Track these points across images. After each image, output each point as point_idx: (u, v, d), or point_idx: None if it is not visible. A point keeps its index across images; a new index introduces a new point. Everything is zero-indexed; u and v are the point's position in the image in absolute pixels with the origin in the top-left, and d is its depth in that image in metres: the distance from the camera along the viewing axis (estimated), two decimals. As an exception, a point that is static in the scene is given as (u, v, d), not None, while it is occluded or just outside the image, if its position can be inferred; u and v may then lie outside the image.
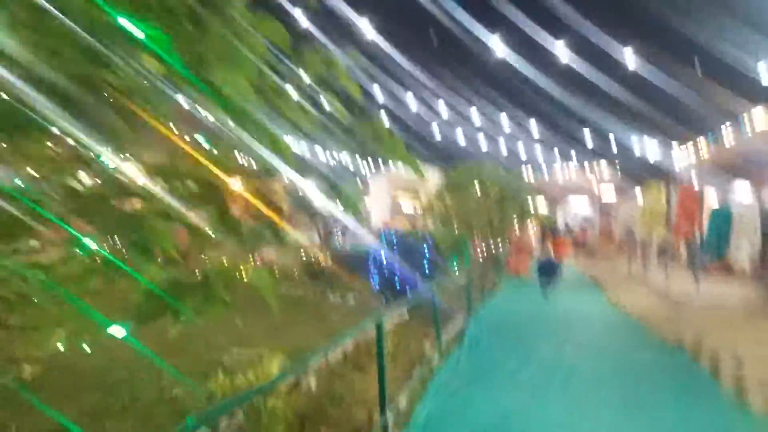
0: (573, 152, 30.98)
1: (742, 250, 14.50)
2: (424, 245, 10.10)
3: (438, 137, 30.23)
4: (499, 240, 19.38)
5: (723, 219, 14.62)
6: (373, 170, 42.67)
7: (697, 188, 15.55)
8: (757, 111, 14.53)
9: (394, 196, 37.84)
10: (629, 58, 13.90)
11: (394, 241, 10.20)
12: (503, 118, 25.94)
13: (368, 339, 6.83)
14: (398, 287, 9.99)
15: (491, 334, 8.14)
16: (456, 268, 13.86)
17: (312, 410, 4.51)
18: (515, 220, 21.62)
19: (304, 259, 14.49)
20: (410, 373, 5.92)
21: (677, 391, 5.74)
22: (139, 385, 5.17)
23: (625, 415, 4.96)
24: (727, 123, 17.37)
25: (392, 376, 5.96)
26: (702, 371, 6.67)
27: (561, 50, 13.32)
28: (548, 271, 14.04)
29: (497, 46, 13.85)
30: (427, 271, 9.97)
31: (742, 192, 16.43)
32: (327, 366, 5.91)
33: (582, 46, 15.23)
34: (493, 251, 19.57)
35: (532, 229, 25.62)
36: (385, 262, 10.17)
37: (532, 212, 22.55)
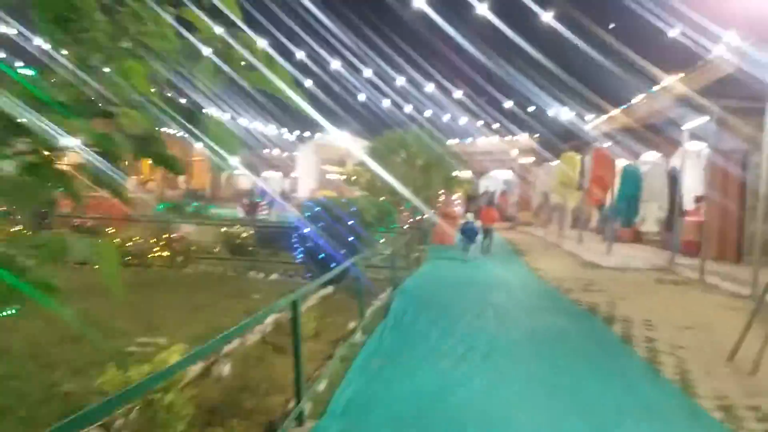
0: (495, 121, 31.56)
1: (651, 214, 15.30)
2: (349, 215, 9.83)
3: (364, 106, 29.79)
4: (425, 208, 19.46)
5: (632, 182, 15.30)
6: (300, 141, 41.80)
7: (608, 155, 16.15)
8: (669, 80, 15.12)
9: (321, 167, 37.28)
10: (550, 23, 14.02)
11: (318, 211, 9.86)
12: (428, 87, 25.87)
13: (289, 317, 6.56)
14: (323, 260, 9.72)
15: (416, 306, 8.08)
16: (382, 238, 13.78)
17: (222, 402, 4.20)
18: (441, 189, 21.80)
19: (226, 233, 13.89)
20: (332, 353, 5.71)
21: (592, 359, 5.89)
22: (27, 380, 4.65)
23: (543, 387, 5.00)
24: (640, 94, 18.06)
25: (313, 356, 5.75)
26: (614, 336, 6.90)
27: (484, 11, 13.22)
28: (470, 235, 15.09)
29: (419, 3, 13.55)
30: (352, 242, 9.74)
31: (651, 159, 17.27)
32: (243, 349, 5.58)
33: (503, 9, 15.24)
34: (420, 220, 19.67)
35: (457, 198, 26.01)
36: (308, 234, 9.84)
37: (457, 181, 22.80)
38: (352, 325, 6.82)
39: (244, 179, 40.79)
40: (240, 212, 25.37)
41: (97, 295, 8.03)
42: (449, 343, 6.21)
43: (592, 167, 16.51)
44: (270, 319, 6.53)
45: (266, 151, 45.40)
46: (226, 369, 4.87)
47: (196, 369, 4.62)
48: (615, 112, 18.15)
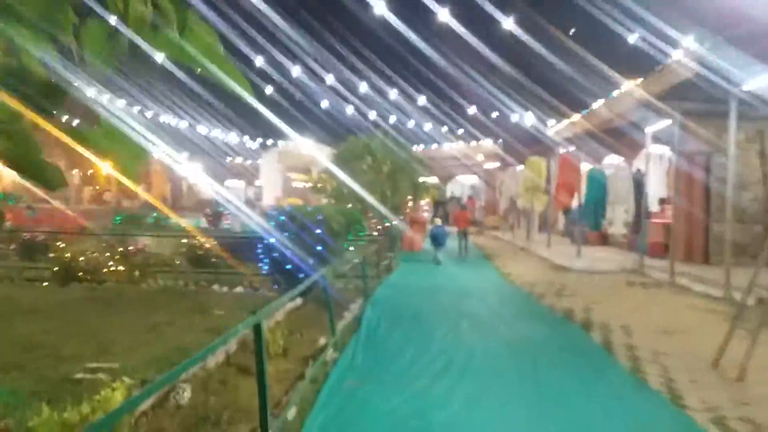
0: (459, 127, 31.60)
1: (618, 217, 15.38)
2: (315, 224, 9.44)
3: (327, 113, 29.41)
4: (393, 215, 19.20)
5: (598, 185, 15.36)
6: (264, 149, 41.09)
7: (574, 160, 16.21)
8: (627, 84, 15.25)
9: (285, 174, 36.70)
10: (511, 28, 13.96)
11: (283, 220, 9.43)
12: (392, 93, 25.67)
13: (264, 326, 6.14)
14: (290, 271, 9.29)
15: (388, 318, 7.76)
16: (350, 247, 13.42)
17: (180, 436, 3.77)
18: (408, 195, 21.59)
19: (188, 244, 13.31)
20: (302, 372, 5.32)
21: (575, 369, 5.67)
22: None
23: (526, 403, 4.73)
24: (601, 99, 18.24)
25: (282, 376, 5.35)
26: (594, 344, 6.71)
27: (445, 18, 13.07)
28: (439, 239, 15.53)
29: (380, 8, 13.30)
30: (320, 252, 9.35)
31: (615, 163, 17.44)
32: (204, 373, 5.14)
33: (465, 14, 15.13)
34: (388, 227, 19.38)
35: (425, 204, 25.87)
36: (274, 244, 9.40)
37: (424, 186, 22.64)
38: (322, 340, 6.43)
39: (207, 188, 39.81)
40: (203, 222, 24.57)
41: (47, 316, 7.50)
42: (425, 359, 5.90)
43: (557, 172, 16.55)
44: (234, 338, 6.10)
45: (228, 159, 44.47)
46: (184, 396, 4.43)
47: (149, 399, 4.18)
48: (576, 116, 18.33)
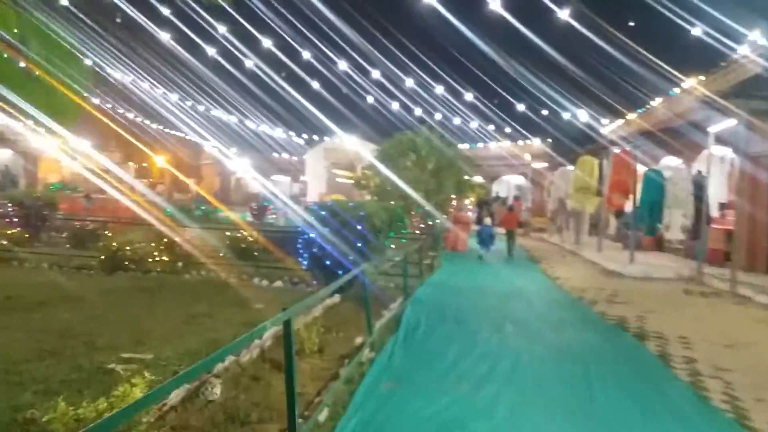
0: (507, 125, 30.87)
1: (675, 221, 14.59)
2: (357, 220, 9.24)
3: (373, 108, 29.22)
4: (436, 213, 18.86)
5: (655, 188, 14.61)
6: (309, 145, 41.37)
7: (630, 160, 15.45)
8: (688, 81, 14.43)
9: (330, 170, 36.80)
10: (566, 21, 13.35)
11: (324, 215, 9.28)
12: (440, 88, 25.25)
13: (300, 323, 5.98)
14: (329, 266, 9.14)
15: (429, 318, 7.48)
16: (392, 244, 13.19)
17: (207, 435, 3.62)
18: (452, 193, 21.20)
19: (234, 237, 13.39)
20: (337, 372, 5.11)
21: (630, 383, 5.25)
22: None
23: (575, 418, 4.37)
24: (659, 97, 17.39)
25: (316, 375, 5.16)
26: (650, 356, 6.24)
27: (496, 8, 12.58)
28: (487, 239, 15.81)
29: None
30: (360, 248, 9.15)
31: (673, 164, 16.56)
32: (237, 368, 5.00)
33: (518, 7, 14.59)
34: (431, 225, 19.06)
35: (469, 203, 25.39)
36: (314, 240, 9.26)
37: (469, 185, 22.19)
38: (360, 339, 6.22)
39: (254, 183, 40.43)
40: (249, 216, 24.89)
41: (89, 304, 7.57)
42: (467, 363, 5.59)
43: (611, 172, 15.84)
44: (269, 333, 5.95)
45: (275, 154, 45.01)
46: (214, 392, 4.29)
47: (179, 393, 4.05)
48: (633, 115, 17.51)
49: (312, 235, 9.21)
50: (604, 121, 21.15)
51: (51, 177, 36.18)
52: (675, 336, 7.15)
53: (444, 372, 5.29)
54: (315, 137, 40.50)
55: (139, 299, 8.09)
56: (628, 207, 16.34)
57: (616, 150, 16.28)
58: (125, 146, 36.41)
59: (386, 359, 5.60)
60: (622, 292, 10.56)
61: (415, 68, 23.95)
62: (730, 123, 11.44)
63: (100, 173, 24.35)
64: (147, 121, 38.60)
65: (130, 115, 37.18)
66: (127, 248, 10.38)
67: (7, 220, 13.48)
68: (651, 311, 8.78)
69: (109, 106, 35.31)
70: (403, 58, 23.66)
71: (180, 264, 10.80)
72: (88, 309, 7.21)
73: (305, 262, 9.78)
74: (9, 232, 12.30)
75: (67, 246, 13.52)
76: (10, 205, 13.73)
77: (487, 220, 16.94)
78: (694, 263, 12.71)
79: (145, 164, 42.89)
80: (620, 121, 18.32)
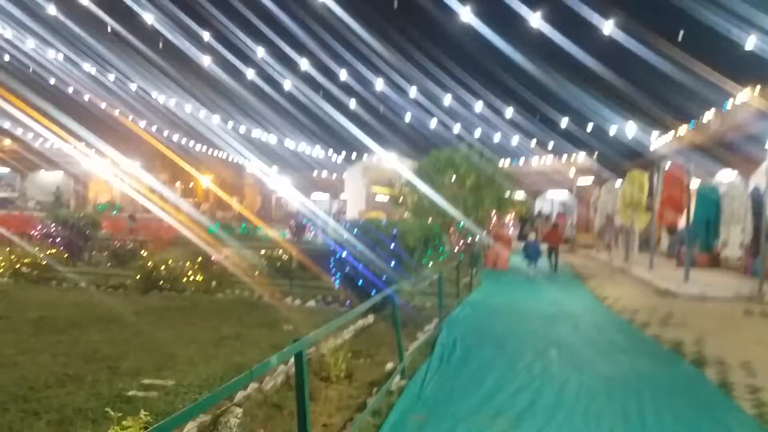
0: (550, 140, 30.09)
1: (733, 237, 13.67)
2: (390, 238, 8.92)
3: (410, 125, 29.04)
4: (476, 231, 18.36)
5: (710, 204, 13.78)
6: (348, 162, 41.45)
7: (682, 174, 14.64)
8: (743, 94, 13.64)
9: (369, 188, 36.70)
10: (611, 33, 12.82)
11: (356, 234, 9.00)
12: (479, 104, 24.84)
13: (326, 347, 5.68)
14: (361, 287, 8.84)
15: (466, 343, 7.05)
16: (430, 263, 12.78)
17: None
18: (493, 210, 20.66)
19: (269, 256, 13.30)
20: (364, 402, 4.77)
21: (689, 416, 4.71)
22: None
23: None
24: (712, 108, 16.53)
25: (343, 404, 4.83)
26: (710, 385, 5.65)
27: (537, 24, 12.17)
28: (533, 255, 16.09)
29: (467, 17, 12.67)
30: (394, 267, 8.81)
31: (728, 179, 15.62)
32: (260, 395, 4.72)
33: (560, 20, 14.14)
34: (470, 243, 18.55)
35: (510, 220, 24.73)
36: (346, 259, 8.99)
37: (510, 202, 21.58)
38: (391, 365, 5.86)
39: (294, 201, 40.77)
40: (287, 233, 24.98)
41: (119, 325, 7.49)
42: (506, 393, 5.16)
43: (662, 187, 15.03)
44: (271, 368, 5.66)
45: (315, 173, 45.35)
46: (233, 422, 4.01)
47: (195, 423, 3.79)
48: (684, 129, 16.68)
49: (344, 254, 8.94)
50: (654, 134, 20.30)
51: (101, 198, 37.42)
52: (737, 362, 6.50)
53: (480, 404, 4.87)
54: (354, 155, 40.61)
55: (169, 320, 7.96)
56: (681, 223, 15.49)
57: (667, 164, 15.49)
58: (172, 167, 37.41)
59: (418, 388, 5.22)
60: (676, 313, 9.84)
61: (454, 85, 23.69)
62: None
63: (147, 193, 24.98)
64: (192, 143, 39.60)
65: (176, 137, 38.22)
66: (162, 267, 10.36)
67: (50, 240, 13.76)
68: (709, 334, 8.09)
69: (155, 128, 36.39)
70: (443, 74, 23.45)
71: (214, 283, 10.70)
72: (117, 330, 7.12)
73: (338, 282, 9.52)
74: (50, 252, 12.52)
75: (108, 265, 13.69)
76: (53, 225, 14.04)
77: (532, 235, 17.20)
78: (754, 282, 11.83)
79: (191, 184, 43.92)
80: (671, 135, 17.51)
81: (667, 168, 15.33)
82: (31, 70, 26.25)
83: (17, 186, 38.64)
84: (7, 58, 25.00)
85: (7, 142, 35.36)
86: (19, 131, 31.82)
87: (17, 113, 25.03)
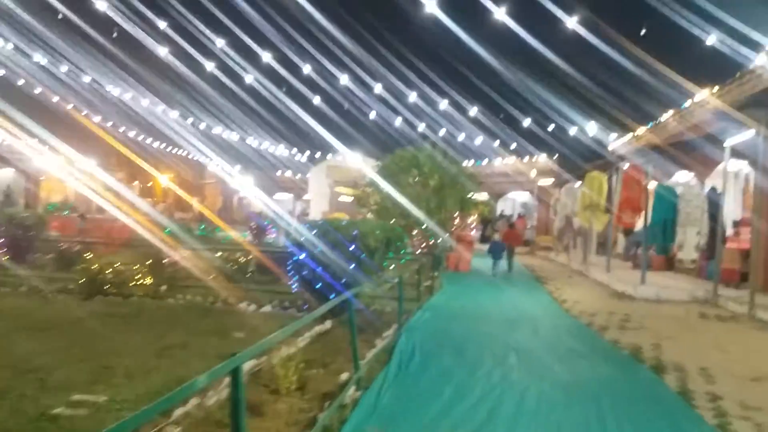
0: (513, 141, 30.38)
1: (689, 240, 13.91)
2: (350, 239, 8.65)
3: (375, 123, 28.84)
4: (439, 232, 18.25)
5: (667, 205, 13.97)
6: (312, 162, 40.95)
7: (640, 175, 14.83)
8: (702, 93, 13.85)
9: (333, 188, 36.31)
10: (574, 29, 12.85)
11: (314, 235, 8.69)
12: (443, 103, 24.82)
13: (281, 355, 5.37)
14: (319, 290, 8.54)
15: (425, 349, 6.84)
16: (391, 265, 12.57)
17: None
18: (456, 211, 20.61)
19: (228, 257, 12.85)
20: (315, 417, 4.48)
21: (650, 425, 4.60)
22: None
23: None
24: (671, 109, 16.79)
25: (293, 418, 4.54)
26: (670, 393, 5.57)
27: (501, 17, 12.11)
28: (498, 254, 16.11)
29: (432, 9, 12.50)
30: (353, 270, 8.54)
31: (685, 180, 15.92)
32: (202, 412, 4.38)
33: (524, 15, 14.14)
34: (433, 244, 18.44)
35: (473, 222, 24.76)
36: (304, 261, 8.68)
37: (472, 203, 21.58)
38: (346, 374, 5.59)
39: (256, 201, 40.02)
40: (248, 236, 24.39)
41: (57, 333, 7.00)
42: (466, 403, 4.95)
43: (620, 189, 15.21)
44: (247, 365, 5.34)
45: (278, 173, 44.67)
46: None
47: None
48: (642, 129, 16.89)
49: (302, 256, 8.63)
50: (613, 135, 20.57)
51: (54, 197, 35.89)
52: (695, 367, 6.48)
53: (439, 415, 4.66)
54: (319, 154, 40.20)
55: (112, 327, 7.50)
56: (639, 225, 15.70)
57: (626, 166, 15.68)
58: (129, 165, 36.18)
59: (373, 398, 4.97)
60: (634, 316, 9.88)
61: (418, 83, 23.61)
62: (747, 135, 10.84)
63: (103, 192, 23.97)
64: (150, 140, 38.40)
65: (133, 133, 36.99)
66: (108, 271, 9.82)
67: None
68: (666, 338, 8.10)
69: (111, 124, 35.11)
70: (406, 72, 23.35)
71: (164, 287, 10.22)
72: (55, 339, 6.64)
73: (296, 285, 9.21)
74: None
75: (52, 268, 12.98)
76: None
77: (496, 236, 17.62)
78: (708, 284, 12.04)
79: (149, 183, 42.63)
80: (629, 136, 17.72)
81: (625, 169, 15.52)
82: (-25, 61, 24.98)
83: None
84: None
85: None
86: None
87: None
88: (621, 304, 11.36)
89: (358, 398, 4.98)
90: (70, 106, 31.71)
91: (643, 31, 14.92)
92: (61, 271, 12.23)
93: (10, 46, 24.25)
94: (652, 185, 14.93)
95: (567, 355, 6.99)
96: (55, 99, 30.83)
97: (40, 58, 25.63)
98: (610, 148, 18.54)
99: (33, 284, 10.41)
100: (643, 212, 14.26)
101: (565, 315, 10.09)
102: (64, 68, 27.02)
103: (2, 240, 13.33)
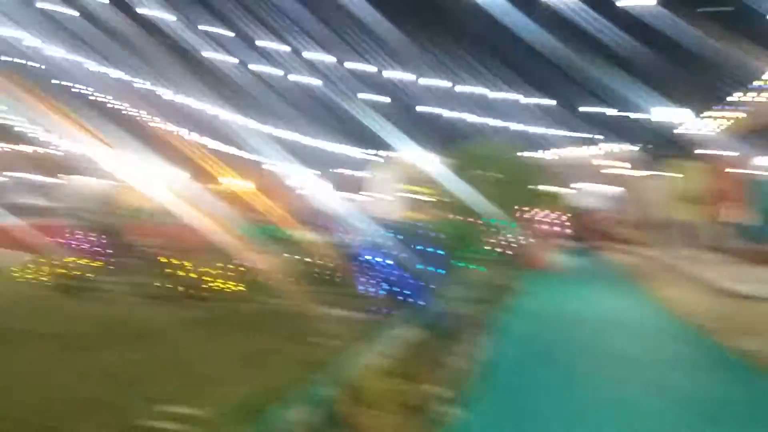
0: (587, 131, 28.90)
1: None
2: (428, 239, 8.30)
3: (444, 121, 28.32)
4: (516, 229, 17.53)
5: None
6: (378, 160, 40.93)
7: (737, 163, 13.57)
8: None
9: (399, 186, 36.08)
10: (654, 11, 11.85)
11: (390, 235, 8.38)
12: (511, 94, 23.92)
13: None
14: (402, 293, 8.24)
15: (517, 358, 6.37)
16: (470, 266, 12.07)
17: None
18: (530, 206, 19.78)
19: (307, 262, 12.75)
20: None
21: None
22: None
23: None
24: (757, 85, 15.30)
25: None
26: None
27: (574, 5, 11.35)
28: (582, 250, 16.36)
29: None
30: (432, 272, 8.17)
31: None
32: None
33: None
34: (512, 242, 17.72)
35: (550, 217, 23.76)
36: (383, 263, 8.40)
37: (549, 197, 20.65)
38: (436, 388, 5.22)
39: (322, 200, 40.45)
40: (326, 236, 24.44)
41: (143, 338, 7.08)
42: (562, 421, 4.47)
43: (719, 179, 13.98)
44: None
45: (345, 171, 44.95)
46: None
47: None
48: (735, 115, 15.50)
49: (378, 258, 8.36)
50: (703, 122, 19.03)
51: (133, 203, 37.71)
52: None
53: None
54: (384, 152, 40.09)
55: (197, 333, 7.48)
56: (737, 217, 14.39)
57: (720, 155, 14.42)
58: (194, 167, 37.66)
59: (466, 416, 4.58)
60: (753, 318, 8.88)
61: (488, 76, 22.91)
62: None
63: (183, 198, 24.80)
64: (233, 149, 39.83)
65: (216, 145, 38.58)
66: (194, 276, 9.93)
67: (86, 248, 13.53)
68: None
69: (199, 137, 36.86)
70: (474, 66, 22.69)
71: (249, 291, 10.24)
72: (142, 347, 6.67)
73: (375, 289, 8.95)
74: (84, 260, 12.27)
75: (139, 274, 13.38)
76: (90, 233, 13.84)
77: (577, 233, 16.55)
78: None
79: (221, 186, 44.06)
80: (714, 118, 16.32)
81: (723, 159, 14.28)
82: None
83: (53, 192, 39.21)
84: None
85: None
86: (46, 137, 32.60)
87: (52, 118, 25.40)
88: (734, 304, 10.29)
89: (449, 415, 4.61)
90: (166, 125, 33.89)
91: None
92: (147, 277, 12.57)
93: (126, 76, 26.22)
94: (750, 175, 13.63)
95: (679, 365, 6.30)
96: (153, 118, 33.01)
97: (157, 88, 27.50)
98: (696, 135, 17.15)
99: (122, 291, 10.71)
100: (746, 204, 13.03)
101: (669, 317, 9.26)
102: (167, 93, 28.99)
103: (96, 247, 13.89)
